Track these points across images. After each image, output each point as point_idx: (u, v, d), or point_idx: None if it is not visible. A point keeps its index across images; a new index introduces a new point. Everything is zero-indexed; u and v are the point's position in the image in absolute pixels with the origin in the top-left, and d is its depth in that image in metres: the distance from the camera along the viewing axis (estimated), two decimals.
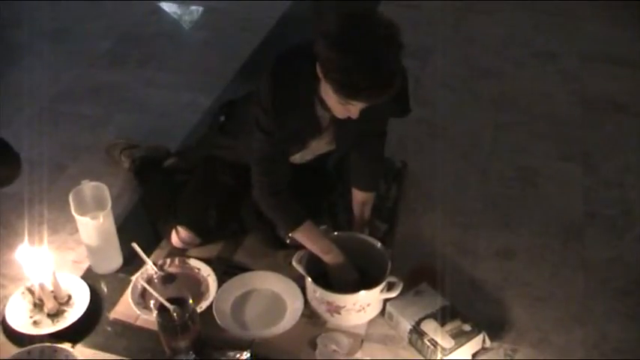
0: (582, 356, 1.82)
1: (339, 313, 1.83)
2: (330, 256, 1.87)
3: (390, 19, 1.59)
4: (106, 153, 2.47)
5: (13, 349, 1.79)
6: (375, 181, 2.07)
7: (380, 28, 1.56)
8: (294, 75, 1.72)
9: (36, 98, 2.83)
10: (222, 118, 2.11)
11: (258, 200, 1.89)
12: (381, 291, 1.83)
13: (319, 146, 1.96)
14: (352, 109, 1.66)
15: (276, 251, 2.07)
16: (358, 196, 2.04)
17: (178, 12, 3.59)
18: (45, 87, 2.91)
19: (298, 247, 1.93)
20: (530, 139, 2.61)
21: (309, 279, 1.83)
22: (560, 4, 3.46)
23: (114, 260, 2.05)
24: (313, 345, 1.80)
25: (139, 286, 1.95)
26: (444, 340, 1.75)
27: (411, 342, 1.81)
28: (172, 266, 2.04)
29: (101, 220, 1.93)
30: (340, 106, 1.67)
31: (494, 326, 1.87)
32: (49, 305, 1.88)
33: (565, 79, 2.96)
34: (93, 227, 1.94)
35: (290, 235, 1.91)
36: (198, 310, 1.83)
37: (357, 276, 1.88)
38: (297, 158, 1.99)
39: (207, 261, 2.04)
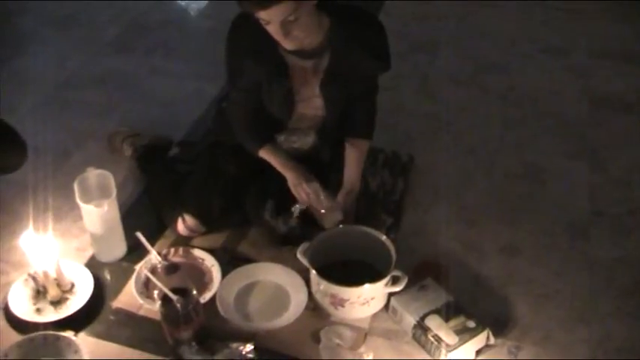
0: (586, 355, 1.81)
1: (343, 306, 1.82)
2: (290, 173, 2.02)
3: None
4: (107, 141, 2.46)
5: (16, 337, 1.79)
6: (365, 127, 2.09)
7: None
8: (248, 24, 1.77)
9: (42, 85, 2.83)
10: (225, 104, 2.12)
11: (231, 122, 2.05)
12: (386, 285, 1.82)
13: (310, 106, 1.99)
14: (272, 28, 1.72)
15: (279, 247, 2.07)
16: (349, 148, 2.07)
17: (186, 0, 3.57)
18: (51, 74, 2.90)
19: (299, 241, 1.94)
20: (538, 135, 2.60)
21: (314, 271, 1.83)
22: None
23: (118, 248, 2.04)
24: (317, 338, 1.80)
25: (143, 276, 1.95)
26: (448, 337, 1.74)
27: (414, 337, 1.81)
28: (176, 256, 2.03)
29: (106, 208, 1.92)
30: (270, 28, 1.73)
31: (498, 323, 1.86)
32: (52, 293, 1.87)
33: (574, 76, 2.94)
34: (97, 215, 1.93)
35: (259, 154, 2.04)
36: (202, 300, 1.83)
37: (314, 184, 2.00)
38: (296, 142, 2.07)
39: (211, 251, 2.04)
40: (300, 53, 1.85)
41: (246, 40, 1.87)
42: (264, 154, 2.04)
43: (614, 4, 3.40)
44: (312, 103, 1.99)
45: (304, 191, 1.99)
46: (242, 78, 1.94)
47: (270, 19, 1.68)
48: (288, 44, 1.77)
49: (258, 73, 1.91)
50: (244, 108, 2.03)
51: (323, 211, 1.99)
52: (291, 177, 2.03)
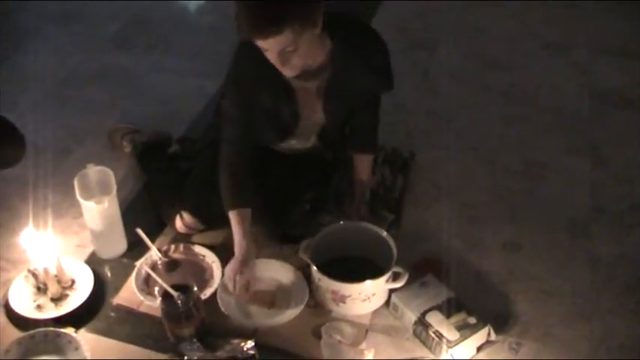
0: (587, 351, 1.81)
1: (344, 303, 1.82)
2: (237, 254, 1.85)
3: None
4: (108, 137, 2.46)
5: (16, 333, 1.79)
6: (369, 141, 2.11)
7: None
8: (255, 49, 1.72)
9: (42, 81, 2.82)
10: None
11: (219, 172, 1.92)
12: (387, 281, 1.82)
13: (312, 119, 1.97)
14: (270, 55, 1.68)
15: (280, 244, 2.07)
16: (355, 161, 2.10)
17: None
18: (51, 70, 2.90)
19: (300, 238, 1.94)
20: (539, 132, 2.59)
21: (315, 267, 1.83)
22: None
23: (118, 245, 2.04)
24: (318, 334, 1.79)
25: (143, 272, 1.95)
26: (449, 333, 1.74)
27: (415, 333, 1.80)
28: (177, 252, 2.03)
29: (106, 204, 1.92)
30: (268, 55, 1.69)
31: (499, 319, 1.86)
32: (53, 289, 1.87)
33: (575, 72, 2.93)
34: (97, 212, 1.93)
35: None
36: (203, 297, 1.82)
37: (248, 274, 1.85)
38: (295, 145, 2.06)
39: (212, 248, 2.04)
40: (301, 76, 1.81)
41: (253, 63, 1.79)
42: (233, 215, 1.87)
43: (614, 2, 3.38)
44: (314, 116, 1.96)
45: (234, 283, 1.84)
46: (245, 96, 1.88)
47: (268, 47, 1.65)
48: (286, 72, 1.74)
49: (263, 96, 1.87)
50: (242, 160, 1.91)
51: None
52: (236, 253, 1.86)
